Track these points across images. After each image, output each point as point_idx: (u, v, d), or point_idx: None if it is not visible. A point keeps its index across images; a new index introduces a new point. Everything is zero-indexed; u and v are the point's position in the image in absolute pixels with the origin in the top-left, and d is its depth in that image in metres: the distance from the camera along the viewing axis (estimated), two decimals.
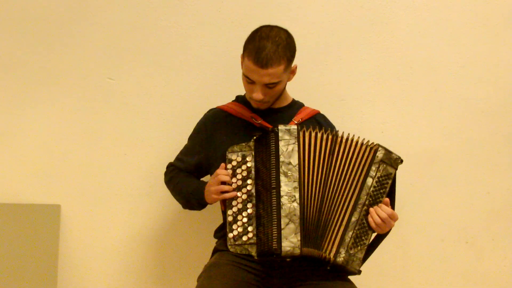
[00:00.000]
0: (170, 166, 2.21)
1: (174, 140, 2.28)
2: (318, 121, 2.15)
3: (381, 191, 1.95)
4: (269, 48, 1.93)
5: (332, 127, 2.18)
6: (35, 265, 2.33)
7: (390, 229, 1.98)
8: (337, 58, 2.49)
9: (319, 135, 1.96)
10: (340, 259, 1.90)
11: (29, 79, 2.42)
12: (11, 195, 2.40)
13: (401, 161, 1.99)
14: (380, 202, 1.95)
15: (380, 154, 1.95)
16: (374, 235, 1.99)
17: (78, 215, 2.43)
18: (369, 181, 1.94)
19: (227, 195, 1.95)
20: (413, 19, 2.51)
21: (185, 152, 2.19)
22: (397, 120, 2.51)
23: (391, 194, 1.99)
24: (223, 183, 1.95)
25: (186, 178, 2.14)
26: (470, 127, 2.52)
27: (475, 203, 2.52)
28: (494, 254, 2.52)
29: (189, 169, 2.16)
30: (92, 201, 2.44)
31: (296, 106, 2.18)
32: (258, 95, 2.00)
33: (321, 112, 2.21)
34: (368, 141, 1.98)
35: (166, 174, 2.21)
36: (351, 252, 1.91)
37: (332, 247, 1.91)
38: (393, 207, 1.98)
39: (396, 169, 1.98)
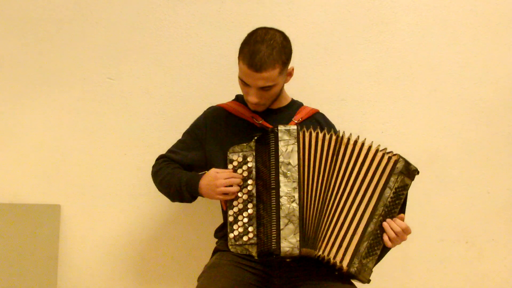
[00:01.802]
0: (160, 158, 2.16)
1: (174, 140, 2.28)
2: (318, 120, 2.15)
3: (396, 202, 1.93)
4: (264, 51, 1.91)
5: (331, 126, 2.18)
6: (35, 265, 2.33)
7: None
8: (337, 58, 2.49)
9: (320, 135, 1.95)
10: (354, 269, 1.89)
11: (29, 79, 2.42)
12: (11, 195, 2.40)
13: (418, 172, 1.96)
14: (395, 213, 1.93)
15: (400, 165, 1.93)
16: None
17: (78, 215, 2.43)
18: (387, 192, 1.92)
19: (227, 197, 1.95)
20: (413, 19, 2.51)
21: (181, 146, 2.15)
22: (397, 120, 2.51)
23: (403, 206, 1.97)
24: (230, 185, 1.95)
25: (177, 170, 2.09)
26: (470, 127, 2.52)
27: (475, 203, 2.52)
28: (494, 254, 2.52)
29: (183, 162, 2.12)
30: (92, 201, 2.44)
31: (295, 105, 2.18)
32: (253, 98, 1.99)
33: (321, 112, 2.21)
34: (386, 149, 1.96)
35: (154, 165, 2.15)
36: (364, 262, 1.90)
37: (344, 255, 1.90)
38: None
39: (412, 180, 1.95)
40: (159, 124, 2.45)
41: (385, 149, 1.96)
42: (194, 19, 2.46)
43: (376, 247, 1.92)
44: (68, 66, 2.43)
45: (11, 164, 2.42)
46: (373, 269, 1.93)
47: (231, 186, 1.94)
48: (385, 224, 1.91)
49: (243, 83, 1.99)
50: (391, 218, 1.92)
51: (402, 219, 1.93)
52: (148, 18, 2.45)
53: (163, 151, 2.29)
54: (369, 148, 1.95)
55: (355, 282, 1.98)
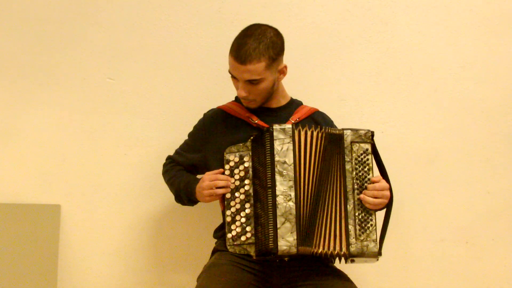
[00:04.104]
0: (168, 159, 2.24)
1: (174, 140, 2.28)
2: (316, 120, 2.14)
3: (365, 169, 1.96)
4: (250, 44, 1.94)
5: (330, 124, 2.18)
6: (35, 265, 2.33)
7: (392, 200, 1.99)
8: (337, 58, 2.49)
9: (314, 133, 1.96)
10: (353, 249, 1.90)
11: (29, 79, 2.42)
12: (11, 195, 2.40)
13: (372, 133, 1.98)
14: (368, 180, 1.95)
15: (348, 137, 1.96)
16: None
17: (78, 215, 2.43)
18: (348, 166, 1.95)
19: (213, 198, 1.97)
20: (413, 19, 2.51)
21: (185, 148, 2.20)
22: (397, 120, 2.50)
23: (380, 167, 2.00)
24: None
25: (180, 172, 2.15)
26: (470, 127, 2.51)
27: (475, 203, 2.51)
28: (494, 254, 2.51)
29: (186, 164, 2.17)
30: (92, 201, 2.44)
31: (294, 105, 2.17)
32: (241, 92, 2.01)
33: (321, 111, 2.21)
34: (335, 130, 1.97)
35: (164, 165, 2.23)
36: (362, 238, 1.91)
37: (341, 243, 1.91)
38: (385, 177, 1.99)
39: (370, 143, 1.97)
40: (159, 124, 2.46)
41: (334, 129, 1.97)
42: (194, 19, 2.46)
43: (368, 218, 1.93)
44: (68, 66, 2.43)
45: (11, 164, 2.42)
46: (381, 240, 1.95)
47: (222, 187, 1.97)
48: (360, 196, 1.93)
49: (232, 76, 2.02)
50: (368, 185, 1.95)
51: (374, 182, 1.95)
52: (148, 18, 2.45)
53: (163, 151, 2.30)
54: (331, 134, 1.96)
55: (353, 278, 1.98)
